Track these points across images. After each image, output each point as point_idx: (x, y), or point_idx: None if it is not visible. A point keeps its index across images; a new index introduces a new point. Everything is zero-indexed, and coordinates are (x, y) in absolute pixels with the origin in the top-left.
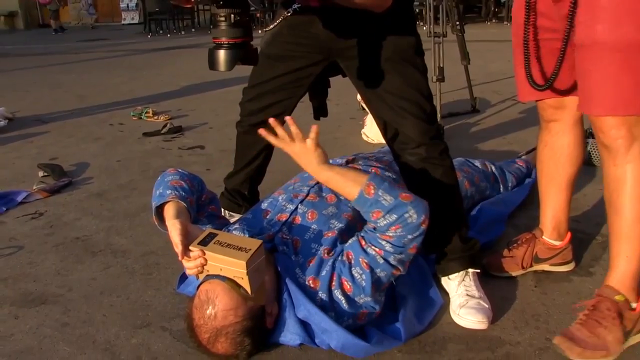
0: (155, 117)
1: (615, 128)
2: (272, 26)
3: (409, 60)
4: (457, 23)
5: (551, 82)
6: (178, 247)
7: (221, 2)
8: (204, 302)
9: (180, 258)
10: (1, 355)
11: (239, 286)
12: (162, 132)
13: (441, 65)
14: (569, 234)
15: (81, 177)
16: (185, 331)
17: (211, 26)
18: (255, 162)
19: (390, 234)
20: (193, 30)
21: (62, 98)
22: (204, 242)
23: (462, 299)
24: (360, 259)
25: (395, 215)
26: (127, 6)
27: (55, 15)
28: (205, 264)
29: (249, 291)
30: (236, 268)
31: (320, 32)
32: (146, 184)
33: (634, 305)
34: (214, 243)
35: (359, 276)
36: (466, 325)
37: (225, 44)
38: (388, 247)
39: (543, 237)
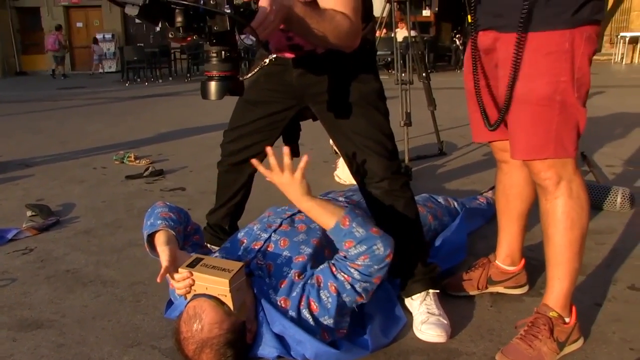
0: (137, 161)
1: (543, 170)
2: (250, 74)
3: (372, 104)
4: (424, 72)
5: (497, 126)
6: (167, 269)
7: (214, 41)
8: (191, 317)
9: (159, 279)
10: None
11: (223, 303)
12: (144, 175)
13: (408, 111)
14: (522, 261)
15: (68, 216)
16: (174, 347)
17: (204, 60)
18: (235, 199)
19: (359, 263)
20: (170, 78)
21: (44, 143)
22: (191, 265)
23: (424, 316)
24: (330, 283)
25: (365, 246)
26: (105, 55)
27: (62, 61)
28: (193, 284)
29: (232, 307)
30: (220, 286)
31: (294, 80)
32: (131, 222)
33: (567, 319)
34: (200, 265)
35: (326, 299)
36: (427, 339)
37: (216, 76)
38: (356, 274)
39: (496, 261)
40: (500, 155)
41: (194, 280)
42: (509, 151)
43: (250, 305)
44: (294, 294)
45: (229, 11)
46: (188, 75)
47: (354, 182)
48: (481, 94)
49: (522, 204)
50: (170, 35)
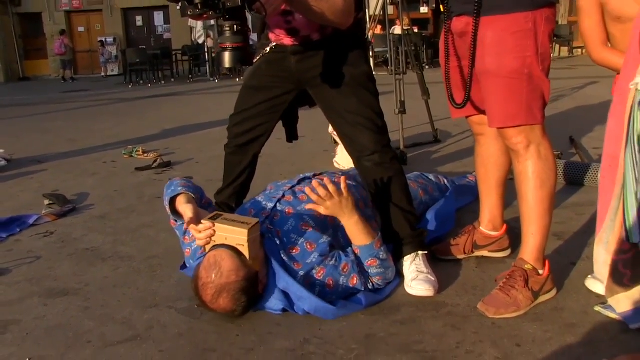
0: (145, 155)
1: (515, 136)
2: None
3: (363, 85)
4: (417, 63)
5: (465, 102)
6: (190, 222)
7: (227, 16)
8: (212, 265)
9: (187, 227)
10: (40, 329)
11: (240, 253)
12: (153, 166)
13: (402, 99)
14: (504, 226)
15: (83, 204)
16: (189, 307)
17: (219, 34)
18: (241, 178)
19: (374, 280)
20: (172, 80)
21: (53, 142)
22: (213, 218)
23: (414, 274)
24: (353, 276)
25: (383, 269)
26: (107, 60)
27: (70, 65)
28: (214, 235)
29: (248, 257)
30: (239, 236)
31: (293, 66)
32: (143, 207)
33: (540, 271)
34: (222, 218)
35: (343, 283)
36: (416, 293)
37: (229, 47)
38: (369, 285)
39: (480, 227)
40: (477, 129)
41: (214, 231)
42: (485, 124)
43: (262, 260)
44: (309, 261)
45: None
46: (190, 76)
47: (352, 166)
48: (450, 75)
49: (499, 172)
50: (189, 13)
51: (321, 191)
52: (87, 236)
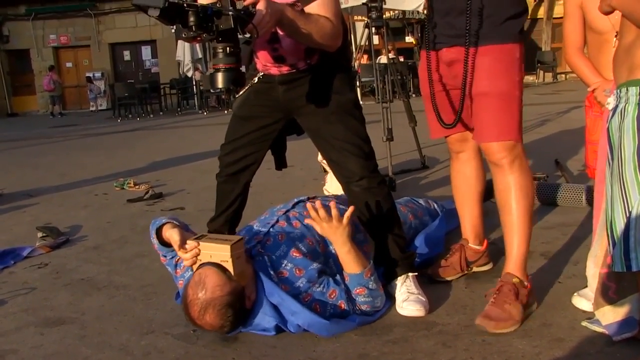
0: (137, 187)
1: (501, 151)
2: (241, 92)
3: (349, 112)
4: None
5: (456, 122)
6: (176, 243)
7: (220, 39)
8: (197, 282)
9: (177, 250)
10: (38, 358)
11: (225, 269)
12: (145, 198)
13: (390, 127)
14: (485, 241)
15: (76, 236)
16: (184, 333)
17: (212, 57)
18: (233, 206)
19: (363, 308)
20: (161, 113)
21: (44, 176)
22: (197, 238)
23: (405, 295)
24: (340, 302)
25: (371, 298)
26: (96, 95)
27: (59, 100)
28: (199, 254)
29: (233, 273)
30: (222, 252)
31: (280, 95)
32: (136, 237)
33: (526, 283)
34: (205, 238)
35: (331, 308)
36: (408, 314)
37: (222, 68)
38: (358, 311)
39: (470, 244)
40: (457, 147)
41: (199, 250)
42: (466, 141)
43: (250, 277)
44: (297, 285)
45: (233, 12)
46: (178, 109)
47: (342, 193)
48: (436, 98)
49: (480, 186)
50: (183, 35)
51: (321, 213)
52: (82, 267)
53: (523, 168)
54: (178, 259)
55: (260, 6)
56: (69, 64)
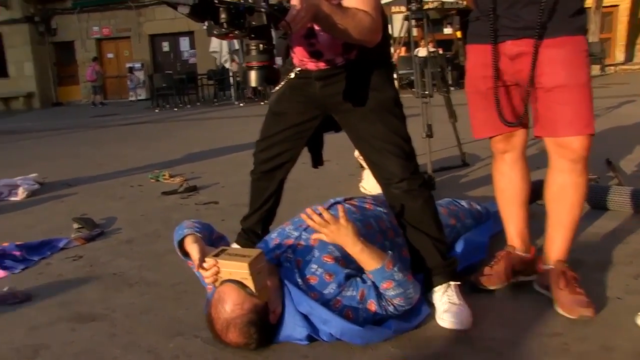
0: (172, 179)
1: (580, 147)
2: (277, 88)
3: (389, 110)
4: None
5: (522, 119)
6: (196, 261)
7: (252, 35)
8: (217, 301)
9: (196, 269)
10: (69, 355)
11: (245, 286)
12: (179, 191)
13: (429, 123)
14: (533, 248)
15: (111, 228)
16: (213, 337)
17: (245, 54)
18: (267, 205)
19: (396, 303)
20: (198, 104)
21: (83, 166)
22: (216, 255)
23: (446, 305)
24: (370, 302)
25: (402, 289)
26: (136, 85)
27: (100, 90)
28: (219, 272)
29: (254, 289)
30: (241, 270)
31: (317, 91)
32: (169, 232)
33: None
34: (224, 254)
35: (362, 312)
36: (449, 326)
37: (255, 66)
38: (391, 308)
39: (516, 251)
40: (503, 146)
41: (219, 268)
42: (513, 140)
43: (274, 289)
44: (326, 292)
45: (266, 8)
46: (215, 100)
47: (379, 191)
48: (498, 94)
49: (526, 188)
50: (215, 32)
51: (315, 218)
52: (114, 261)
53: (586, 166)
54: None
55: (295, 1)
56: (110, 55)
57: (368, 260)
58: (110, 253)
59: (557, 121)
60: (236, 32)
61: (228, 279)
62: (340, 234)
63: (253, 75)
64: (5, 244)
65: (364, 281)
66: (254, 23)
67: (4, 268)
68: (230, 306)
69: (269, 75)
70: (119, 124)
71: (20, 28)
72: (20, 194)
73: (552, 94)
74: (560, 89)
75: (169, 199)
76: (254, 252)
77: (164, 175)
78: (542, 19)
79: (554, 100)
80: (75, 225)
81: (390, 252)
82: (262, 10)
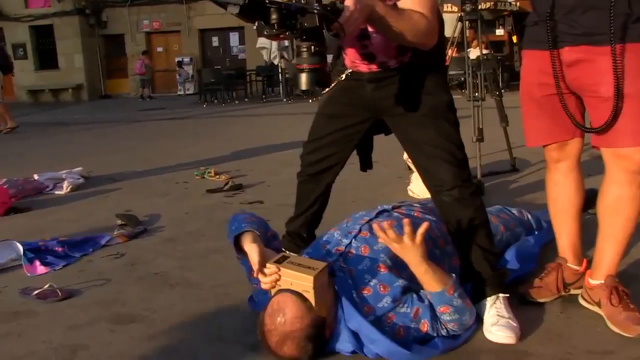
0: (217, 177)
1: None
2: (328, 89)
3: (442, 115)
4: (496, 89)
5: (605, 126)
6: (255, 265)
7: (304, 37)
8: (275, 311)
9: (255, 274)
10: (105, 357)
11: (306, 299)
12: (224, 189)
13: (480, 127)
14: (585, 260)
15: (154, 225)
16: (255, 342)
17: (296, 55)
18: (313, 208)
19: (450, 327)
20: (246, 100)
21: (130, 161)
22: (278, 261)
23: (494, 318)
24: (423, 322)
25: (458, 315)
26: (184, 80)
27: (148, 84)
28: (279, 280)
29: (314, 304)
30: (305, 282)
31: (369, 94)
32: (213, 231)
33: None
34: (287, 262)
35: (414, 330)
36: (497, 340)
37: (306, 69)
38: (443, 332)
39: (568, 264)
40: (556, 155)
41: (280, 276)
42: (568, 149)
43: (331, 303)
44: (380, 305)
45: (318, 9)
46: (263, 96)
47: (427, 195)
48: (564, 100)
49: (580, 199)
50: (265, 33)
51: (390, 234)
52: (156, 260)
53: None
54: None
55: (349, 2)
56: (159, 49)
57: (430, 282)
58: (153, 251)
59: (616, 131)
60: (287, 33)
61: (288, 288)
62: (409, 252)
63: (304, 78)
64: (47, 239)
65: (420, 299)
66: (305, 24)
67: (46, 264)
68: (289, 319)
69: (321, 79)
70: (167, 117)
71: (71, 20)
72: (65, 188)
73: (611, 103)
74: (630, 98)
75: (214, 197)
76: (319, 264)
77: (210, 172)
78: (613, 24)
79: (622, 107)
80: (118, 222)
81: (453, 275)
82: (315, 11)
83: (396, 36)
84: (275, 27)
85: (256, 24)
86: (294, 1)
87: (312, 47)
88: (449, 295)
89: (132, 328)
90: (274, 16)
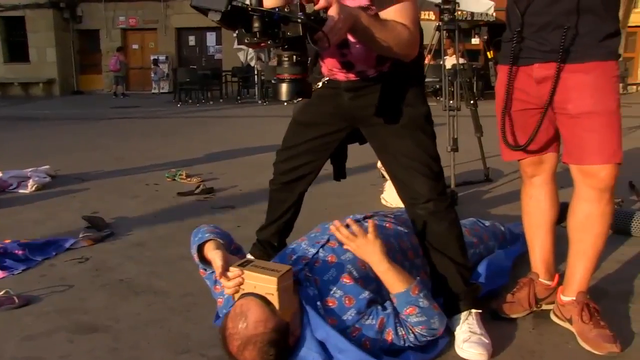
0: (189, 179)
1: (607, 175)
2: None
3: (420, 127)
4: (471, 99)
5: (528, 143)
6: (219, 269)
7: (286, 47)
8: (238, 314)
9: (218, 277)
10: None
11: (269, 302)
12: (195, 192)
13: (455, 137)
14: (557, 275)
15: (122, 229)
16: (222, 356)
17: (277, 65)
18: (285, 217)
19: (417, 331)
20: (221, 100)
21: (100, 160)
22: (242, 265)
23: (466, 335)
24: (388, 331)
25: (425, 317)
26: (160, 78)
27: (122, 81)
28: (242, 283)
29: (278, 307)
30: (268, 284)
31: (346, 103)
32: (182, 236)
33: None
34: (251, 265)
35: (380, 340)
36: (468, 357)
37: (287, 79)
38: (412, 337)
39: (540, 279)
40: (532, 170)
41: (243, 279)
42: (542, 164)
43: (295, 310)
44: (345, 318)
45: (302, 18)
46: (238, 97)
47: (400, 205)
48: (513, 118)
49: (554, 214)
50: (246, 41)
51: (343, 231)
52: (123, 265)
53: (613, 195)
54: None
55: (332, 12)
56: (135, 46)
57: (393, 281)
58: (119, 256)
59: (583, 148)
60: (269, 42)
61: (251, 292)
62: (367, 250)
63: (284, 88)
64: (7, 242)
65: (384, 308)
66: (288, 33)
67: (4, 268)
68: (252, 322)
69: (302, 89)
70: (140, 116)
71: (44, 13)
72: (30, 187)
73: (579, 120)
74: (587, 116)
75: (184, 200)
76: (283, 267)
77: (181, 174)
78: (564, 43)
79: (580, 127)
80: (85, 224)
81: (418, 277)
82: (299, 20)
83: (379, 47)
84: (257, 36)
85: (237, 31)
86: (277, 9)
87: (294, 57)
88: (414, 295)
89: (93, 338)
90: (256, 24)
